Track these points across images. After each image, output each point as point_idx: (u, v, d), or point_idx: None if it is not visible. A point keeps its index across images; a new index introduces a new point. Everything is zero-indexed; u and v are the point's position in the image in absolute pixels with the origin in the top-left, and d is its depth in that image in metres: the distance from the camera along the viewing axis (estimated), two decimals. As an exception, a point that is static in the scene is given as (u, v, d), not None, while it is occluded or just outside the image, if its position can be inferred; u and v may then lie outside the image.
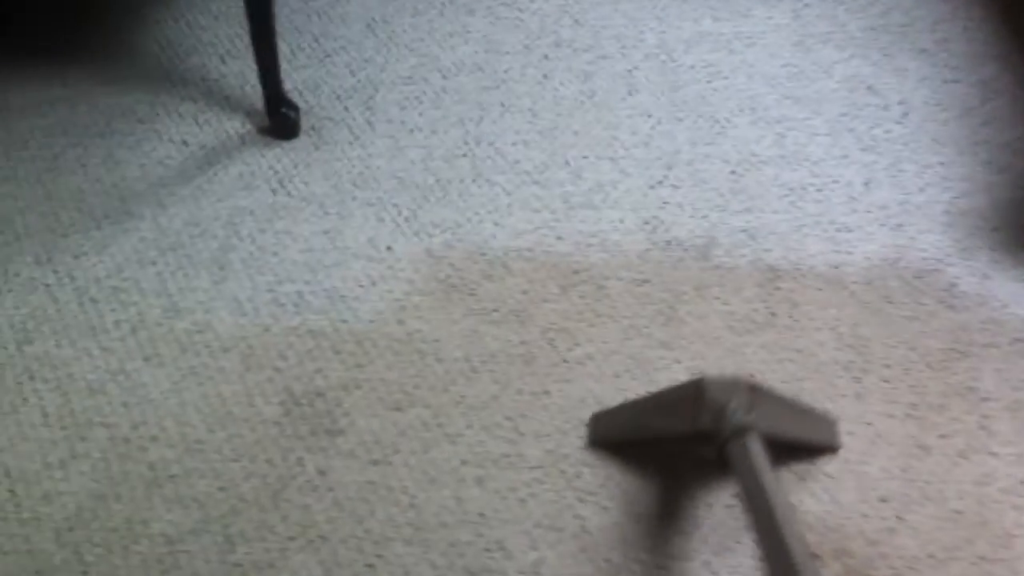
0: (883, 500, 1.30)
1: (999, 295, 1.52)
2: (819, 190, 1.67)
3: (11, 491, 1.34)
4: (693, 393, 1.27)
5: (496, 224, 1.64)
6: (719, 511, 1.30)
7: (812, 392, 1.42)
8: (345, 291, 1.56)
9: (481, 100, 1.85)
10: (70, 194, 1.70)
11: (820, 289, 1.53)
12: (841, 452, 1.35)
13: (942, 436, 1.36)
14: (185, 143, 1.78)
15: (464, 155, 1.75)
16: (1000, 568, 1.24)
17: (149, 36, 1.98)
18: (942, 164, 1.71)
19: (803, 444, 1.37)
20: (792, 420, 1.36)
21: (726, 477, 1.31)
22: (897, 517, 1.29)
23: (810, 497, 1.31)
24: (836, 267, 1.56)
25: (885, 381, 1.42)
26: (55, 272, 1.58)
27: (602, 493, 1.33)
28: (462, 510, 1.32)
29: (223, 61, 1.93)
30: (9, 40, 1.97)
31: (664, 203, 1.66)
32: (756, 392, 1.28)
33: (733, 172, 1.70)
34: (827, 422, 1.39)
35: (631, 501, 1.32)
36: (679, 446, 1.36)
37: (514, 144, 1.77)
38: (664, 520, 1.30)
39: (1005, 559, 1.24)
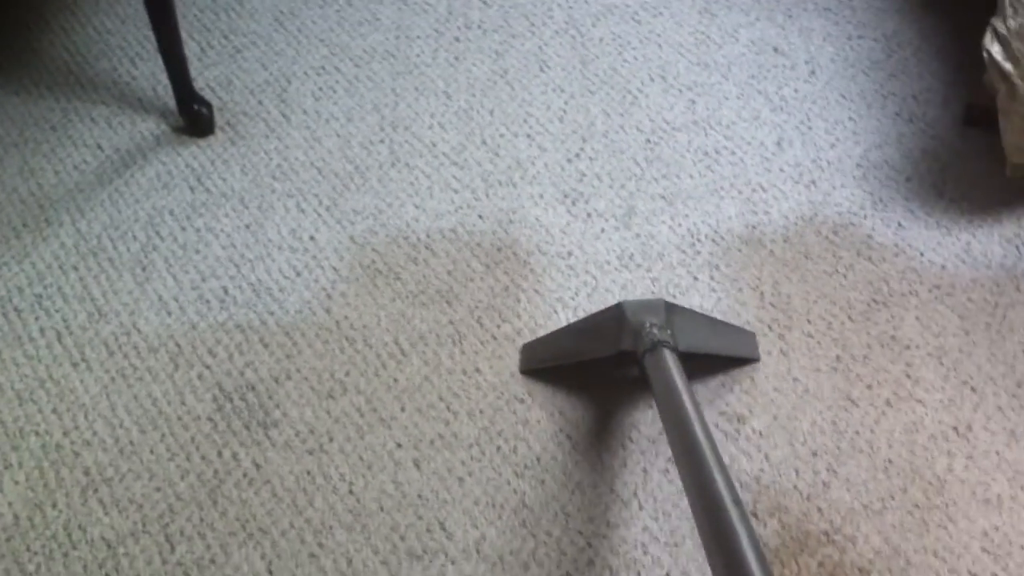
0: (815, 455, 1.33)
1: (915, 244, 1.56)
2: (732, 153, 1.70)
3: (-57, 508, 1.33)
4: (615, 316, 1.37)
5: (417, 207, 1.64)
6: (655, 475, 1.33)
7: (738, 351, 1.44)
8: (270, 283, 1.55)
9: (395, 86, 1.84)
10: (-16, 206, 1.67)
11: (740, 250, 1.55)
12: (770, 409, 1.38)
13: (868, 387, 1.40)
14: (100, 147, 1.76)
15: (381, 141, 1.75)
16: (935, 514, 1.27)
17: (57, 43, 1.95)
18: (851, 119, 1.74)
19: (725, 357, 1.43)
20: (711, 334, 1.44)
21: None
22: (830, 470, 1.32)
23: (742, 455, 1.34)
24: (754, 227, 1.59)
25: (809, 336, 1.45)
26: (-27, 285, 1.56)
27: (538, 466, 1.34)
28: (401, 493, 1.32)
29: (133, 64, 1.91)
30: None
31: (582, 175, 1.67)
32: (673, 310, 1.37)
33: (648, 141, 1.72)
34: (746, 335, 1.46)
35: (567, 472, 1.34)
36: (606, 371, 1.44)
37: (430, 127, 1.77)
38: (601, 489, 1.32)
39: (938, 505, 1.28)
